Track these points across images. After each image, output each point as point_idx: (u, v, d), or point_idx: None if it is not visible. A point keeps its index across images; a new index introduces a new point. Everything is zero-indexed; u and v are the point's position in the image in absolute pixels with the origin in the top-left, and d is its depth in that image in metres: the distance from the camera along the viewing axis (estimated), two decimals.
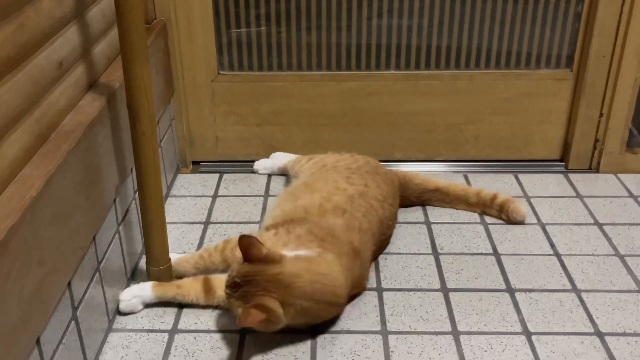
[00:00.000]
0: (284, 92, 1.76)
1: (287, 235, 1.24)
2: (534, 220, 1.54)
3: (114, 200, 1.25)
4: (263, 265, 1.11)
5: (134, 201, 1.37)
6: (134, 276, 1.36)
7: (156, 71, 1.55)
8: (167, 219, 1.55)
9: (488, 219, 1.55)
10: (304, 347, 1.18)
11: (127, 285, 1.32)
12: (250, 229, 1.53)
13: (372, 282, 1.34)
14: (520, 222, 1.51)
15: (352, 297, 1.27)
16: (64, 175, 1.00)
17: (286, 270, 1.11)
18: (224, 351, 1.17)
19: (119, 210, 1.28)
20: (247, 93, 1.76)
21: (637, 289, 1.31)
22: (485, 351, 1.16)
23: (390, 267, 1.38)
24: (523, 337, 1.19)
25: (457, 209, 1.58)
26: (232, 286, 1.12)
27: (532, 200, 1.63)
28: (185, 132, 1.79)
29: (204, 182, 1.75)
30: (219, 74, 1.74)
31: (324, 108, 1.77)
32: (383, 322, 1.23)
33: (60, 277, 0.99)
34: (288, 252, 1.16)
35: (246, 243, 1.12)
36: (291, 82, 1.75)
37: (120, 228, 1.29)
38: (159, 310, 1.27)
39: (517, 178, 1.73)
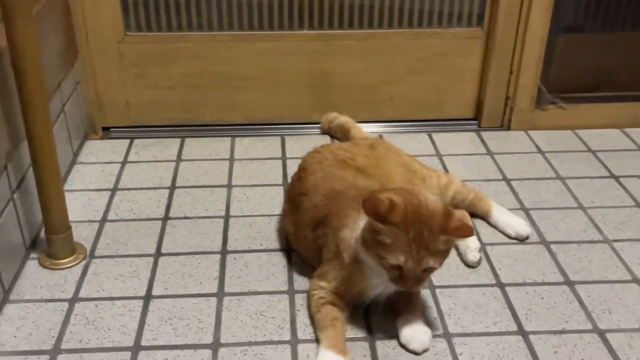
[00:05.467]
0: (196, 54, 1.71)
1: None
2: None
3: (5, 166, 1.19)
4: None
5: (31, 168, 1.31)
6: (34, 246, 1.31)
7: (54, 31, 1.47)
8: (73, 187, 1.50)
9: None
10: (209, 310, 1.16)
11: (26, 256, 1.27)
12: (160, 195, 1.49)
13: (283, 243, 1.33)
14: None
15: None
16: None
17: None
18: (126, 317, 1.14)
19: (12, 178, 1.22)
20: (157, 55, 1.70)
21: (538, 240, 1.34)
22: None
23: None
24: (427, 291, 1.20)
25: None
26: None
27: (444, 158, 1.64)
28: (93, 97, 1.72)
29: (114, 148, 1.69)
30: (126, 35, 1.68)
31: (238, 70, 1.74)
32: (291, 282, 1.23)
33: None
34: None
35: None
36: (202, 43, 1.70)
37: (15, 196, 1.23)
38: (60, 279, 1.23)
39: (430, 137, 1.74)
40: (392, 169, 1.28)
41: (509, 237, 1.35)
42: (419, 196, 1.02)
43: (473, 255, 1.26)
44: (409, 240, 0.98)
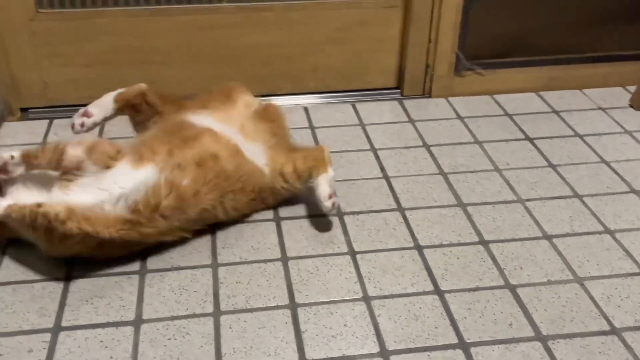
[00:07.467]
0: (112, 30, 1.67)
1: None
2: (367, 147, 1.58)
3: None
4: None
5: None
6: None
7: None
8: None
9: None
10: (131, 287, 1.16)
11: None
12: None
13: None
14: None
15: None
16: None
17: None
18: (45, 300, 1.13)
19: None
20: (72, 32, 1.66)
21: (456, 203, 1.38)
22: (311, 273, 1.19)
23: None
24: (348, 257, 1.23)
25: None
26: None
27: (367, 127, 1.67)
28: (7, 78, 1.67)
29: (31, 129, 1.65)
30: (38, 12, 1.63)
31: (157, 45, 1.71)
32: (214, 255, 1.24)
33: None
34: None
35: None
36: (119, 18, 1.66)
37: None
38: None
39: (354, 107, 1.76)
40: None
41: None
42: None
43: (324, 204, 1.25)
44: None
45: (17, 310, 1.11)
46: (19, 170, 1.19)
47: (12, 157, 1.19)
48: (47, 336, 1.06)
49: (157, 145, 1.23)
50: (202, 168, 1.21)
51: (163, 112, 1.34)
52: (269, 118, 1.38)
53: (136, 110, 1.35)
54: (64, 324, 1.09)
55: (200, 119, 1.31)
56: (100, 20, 1.65)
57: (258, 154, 1.30)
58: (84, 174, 1.19)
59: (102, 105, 1.33)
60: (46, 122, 1.68)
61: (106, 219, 1.13)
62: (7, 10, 1.60)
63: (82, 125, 1.30)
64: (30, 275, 1.18)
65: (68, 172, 1.19)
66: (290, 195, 1.35)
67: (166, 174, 1.18)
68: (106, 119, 1.33)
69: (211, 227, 1.30)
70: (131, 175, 1.18)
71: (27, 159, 1.20)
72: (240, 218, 1.32)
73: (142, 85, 1.35)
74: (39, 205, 1.10)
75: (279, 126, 1.39)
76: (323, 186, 1.26)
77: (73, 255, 1.19)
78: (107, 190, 1.16)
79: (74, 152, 1.18)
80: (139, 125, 1.37)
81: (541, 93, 1.83)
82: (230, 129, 1.31)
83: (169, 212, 1.17)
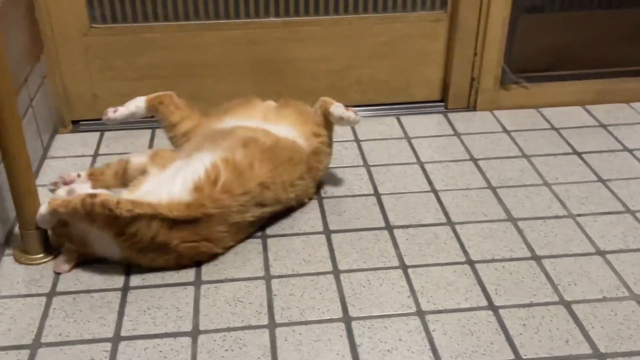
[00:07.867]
0: (162, 44, 1.71)
1: None
2: (414, 160, 1.59)
3: None
4: None
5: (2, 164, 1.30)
6: (8, 242, 1.31)
7: (18, 27, 1.46)
8: (45, 182, 1.50)
9: (370, 162, 1.58)
10: (187, 298, 1.18)
11: (1, 252, 1.27)
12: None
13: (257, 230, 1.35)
14: None
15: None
16: None
17: None
18: (104, 309, 1.16)
19: None
20: (123, 46, 1.70)
21: (506, 217, 1.38)
22: (364, 287, 1.20)
23: None
24: (400, 271, 1.24)
25: None
26: None
27: (412, 140, 1.67)
28: (60, 90, 1.71)
29: (83, 141, 1.69)
30: (91, 27, 1.67)
31: (204, 58, 1.74)
32: (266, 267, 1.25)
33: None
34: None
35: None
36: (168, 33, 1.70)
37: None
38: (36, 275, 1.23)
39: (399, 120, 1.77)
40: None
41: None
42: None
43: (347, 115, 1.39)
44: None
45: (78, 319, 1.13)
46: (85, 188, 1.29)
47: (79, 176, 1.35)
48: (108, 345, 1.08)
49: (200, 145, 1.32)
50: (248, 148, 1.29)
51: (192, 117, 1.45)
52: (291, 105, 1.47)
53: (166, 110, 1.44)
54: (123, 333, 1.11)
55: (226, 123, 1.41)
56: (150, 35, 1.69)
57: (288, 132, 1.38)
58: (147, 178, 1.27)
59: (134, 100, 1.46)
60: (97, 134, 1.72)
61: (170, 203, 1.19)
62: (61, 26, 1.64)
63: (115, 111, 1.42)
64: (89, 285, 1.21)
65: (132, 180, 1.29)
66: (330, 153, 1.46)
67: (220, 153, 1.26)
68: (138, 109, 1.45)
69: (262, 237, 1.32)
70: (185, 161, 1.28)
71: (93, 177, 1.35)
72: (299, 205, 1.39)
73: (170, 92, 1.48)
74: (92, 195, 1.16)
75: (302, 108, 1.47)
76: (336, 110, 1.40)
77: (147, 253, 1.20)
78: (166, 177, 1.25)
79: (138, 159, 1.35)
80: (171, 128, 1.46)
81: (588, 107, 1.82)
82: (254, 122, 1.39)
83: (230, 184, 1.23)
